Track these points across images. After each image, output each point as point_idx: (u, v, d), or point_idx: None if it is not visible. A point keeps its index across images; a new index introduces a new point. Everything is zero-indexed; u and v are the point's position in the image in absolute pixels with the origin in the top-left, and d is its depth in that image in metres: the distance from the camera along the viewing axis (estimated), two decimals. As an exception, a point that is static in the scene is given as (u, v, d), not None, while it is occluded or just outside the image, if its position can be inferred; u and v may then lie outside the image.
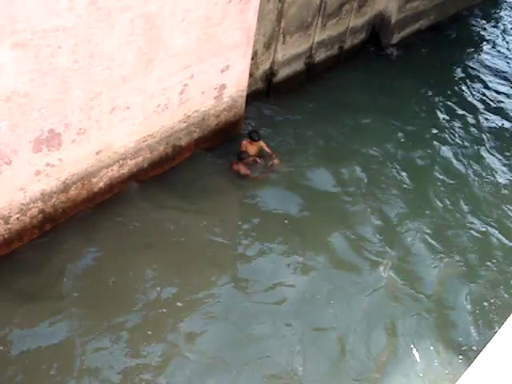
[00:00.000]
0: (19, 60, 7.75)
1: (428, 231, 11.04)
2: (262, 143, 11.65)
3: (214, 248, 10.01)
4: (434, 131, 13.62)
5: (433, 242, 10.87)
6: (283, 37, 12.58)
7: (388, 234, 10.88)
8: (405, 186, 11.98)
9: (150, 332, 8.70)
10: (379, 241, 10.68)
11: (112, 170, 10.11)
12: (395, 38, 15.64)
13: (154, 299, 9.12)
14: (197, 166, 11.35)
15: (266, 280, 9.68)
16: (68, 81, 8.49)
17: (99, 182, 10.03)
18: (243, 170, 11.27)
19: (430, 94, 14.83)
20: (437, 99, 14.68)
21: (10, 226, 9.09)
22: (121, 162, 10.18)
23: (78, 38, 8.23)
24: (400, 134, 13.27)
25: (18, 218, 9.15)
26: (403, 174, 12.23)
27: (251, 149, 11.53)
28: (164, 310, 9.01)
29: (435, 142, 13.25)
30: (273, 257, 10.08)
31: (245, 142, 11.55)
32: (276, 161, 11.59)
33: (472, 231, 11.24)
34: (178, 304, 9.13)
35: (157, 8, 9.01)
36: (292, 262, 10.03)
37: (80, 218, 9.99)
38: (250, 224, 10.59)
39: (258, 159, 11.47)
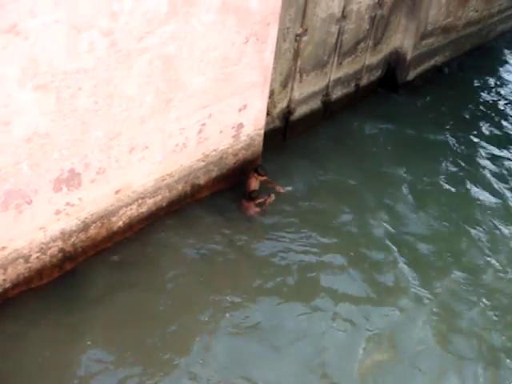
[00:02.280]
0: (41, 101, 7.89)
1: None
2: (265, 177, 11.67)
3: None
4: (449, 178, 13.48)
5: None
6: (300, 75, 12.67)
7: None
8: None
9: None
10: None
11: (131, 209, 10.17)
12: (411, 75, 15.70)
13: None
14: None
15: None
16: (88, 121, 8.61)
17: (118, 221, 10.09)
18: (254, 210, 11.29)
19: (449, 133, 14.80)
20: (456, 139, 14.67)
21: (29, 264, 9.15)
22: (140, 201, 10.25)
23: (97, 79, 8.37)
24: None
25: (37, 257, 9.21)
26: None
27: (256, 183, 11.55)
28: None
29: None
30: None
31: (252, 179, 11.50)
32: (273, 196, 11.51)
33: None
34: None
35: (175, 49, 9.14)
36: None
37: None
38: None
39: (263, 199, 11.40)
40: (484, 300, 10.64)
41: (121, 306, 9.47)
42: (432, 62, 16.36)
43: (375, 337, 9.75)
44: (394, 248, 11.31)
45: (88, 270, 9.82)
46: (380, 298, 10.40)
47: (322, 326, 9.77)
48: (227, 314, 9.64)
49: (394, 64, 15.38)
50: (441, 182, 13.18)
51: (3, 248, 8.68)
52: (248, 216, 11.32)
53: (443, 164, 13.77)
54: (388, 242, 11.45)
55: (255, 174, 11.49)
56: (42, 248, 9.19)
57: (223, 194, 11.67)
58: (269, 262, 10.65)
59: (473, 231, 11.95)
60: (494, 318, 10.39)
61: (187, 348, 9.15)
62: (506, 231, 12.11)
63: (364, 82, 14.86)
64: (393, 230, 11.71)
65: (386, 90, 15.56)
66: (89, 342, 8.91)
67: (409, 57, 15.23)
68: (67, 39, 7.73)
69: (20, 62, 7.43)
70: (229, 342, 9.35)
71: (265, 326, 9.63)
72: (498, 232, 12.06)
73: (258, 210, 11.32)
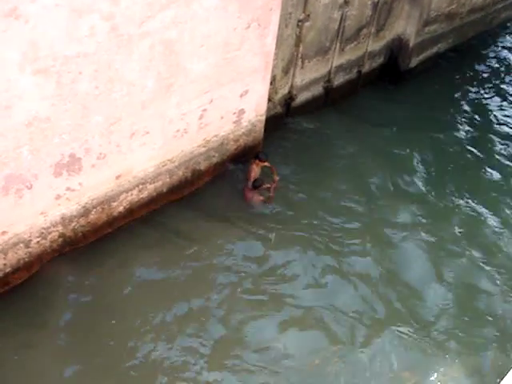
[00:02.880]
0: (41, 86, 7.87)
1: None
2: (266, 162, 11.58)
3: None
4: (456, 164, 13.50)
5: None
6: (302, 61, 12.63)
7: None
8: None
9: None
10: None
11: (132, 194, 10.17)
12: (414, 62, 15.64)
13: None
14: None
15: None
16: (89, 106, 8.60)
17: (119, 207, 10.09)
18: (258, 199, 11.26)
19: (453, 115, 14.81)
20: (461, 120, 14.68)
21: (30, 249, 9.16)
22: (140, 186, 10.24)
23: (98, 64, 8.34)
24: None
25: (38, 242, 9.22)
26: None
27: (258, 170, 11.48)
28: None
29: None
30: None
31: (254, 166, 11.42)
32: (276, 177, 11.49)
33: None
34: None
35: (176, 34, 9.11)
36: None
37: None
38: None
39: (268, 185, 11.36)
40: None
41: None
42: (435, 49, 16.28)
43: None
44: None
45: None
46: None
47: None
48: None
49: (396, 51, 15.31)
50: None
51: (4, 233, 8.68)
52: (252, 205, 11.28)
53: (449, 145, 13.91)
54: (398, 223, 11.61)
55: (256, 161, 11.41)
56: (42, 233, 9.20)
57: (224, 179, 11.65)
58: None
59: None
60: None
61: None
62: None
63: (366, 68, 14.80)
64: (408, 215, 11.83)
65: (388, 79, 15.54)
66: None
67: (411, 43, 15.15)
68: (68, 23, 7.70)
69: (20, 45, 7.40)
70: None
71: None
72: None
73: (261, 198, 11.29)
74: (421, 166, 13.03)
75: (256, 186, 11.17)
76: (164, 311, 9.37)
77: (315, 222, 11.21)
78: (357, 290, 10.19)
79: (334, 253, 10.69)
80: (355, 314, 9.83)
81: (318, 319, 9.68)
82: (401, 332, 9.67)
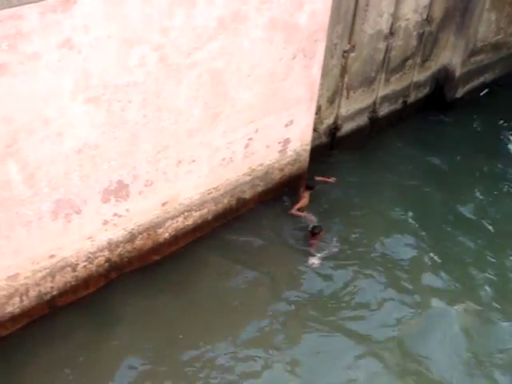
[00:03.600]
0: (92, 114, 8.09)
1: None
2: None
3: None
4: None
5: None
6: (347, 92, 12.68)
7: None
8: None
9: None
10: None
11: (177, 221, 10.29)
12: (460, 92, 15.56)
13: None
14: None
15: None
16: (137, 134, 8.78)
17: (164, 233, 10.22)
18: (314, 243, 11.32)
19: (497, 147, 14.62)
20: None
21: (77, 273, 9.33)
22: (186, 213, 10.36)
23: (147, 93, 8.54)
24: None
25: (85, 266, 9.39)
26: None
27: (307, 198, 11.69)
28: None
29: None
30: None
31: (304, 194, 11.65)
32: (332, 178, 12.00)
33: None
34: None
35: (223, 64, 9.26)
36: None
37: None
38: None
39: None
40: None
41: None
42: (481, 79, 16.17)
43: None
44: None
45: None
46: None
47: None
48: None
49: (442, 81, 15.26)
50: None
51: (52, 256, 8.87)
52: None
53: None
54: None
55: (306, 189, 11.68)
56: (89, 257, 9.37)
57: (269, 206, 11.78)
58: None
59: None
60: None
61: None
62: None
63: (411, 99, 14.76)
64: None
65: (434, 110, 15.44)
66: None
67: (457, 74, 15.09)
68: (118, 53, 7.93)
69: (73, 75, 7.64)
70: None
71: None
72: None
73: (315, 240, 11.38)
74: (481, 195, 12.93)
75: (315, 233, 11.20)
76: (221, 337, 9.53)
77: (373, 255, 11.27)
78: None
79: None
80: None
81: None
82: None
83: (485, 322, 10.32)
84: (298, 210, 11.57)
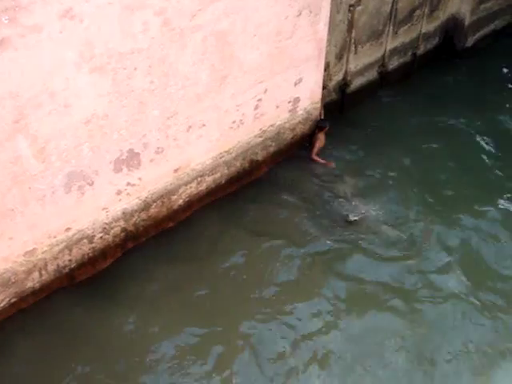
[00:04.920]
0: (98, 84, 8.00)
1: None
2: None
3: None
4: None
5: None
6: (355, 47, 12.51)
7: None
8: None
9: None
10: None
11: (190, 187, 10.26)
12: (470, 41, 15.33)
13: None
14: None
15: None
16: (145, 101, 8.70)
17: (178, 200, 10.19)
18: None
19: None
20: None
21: (94, 245, 9.34)
22: (199, 179, 10.32)
23: (152, 59, 8.43)
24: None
25: (101, 237, 9.39)
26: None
27: (323, 138, 11.91)
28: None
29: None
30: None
31: (319, 135, 11.89)
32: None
33: None
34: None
35: (228, 25, 9.13)
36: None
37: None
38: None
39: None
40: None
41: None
42: (491, 27, 15.91)
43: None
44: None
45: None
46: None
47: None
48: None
49: (451, 31, 15.02)
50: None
51: (68, 229, 8.87)
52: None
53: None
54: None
55: (320, 131, 11.86)
56: (104, 228, 9.36)
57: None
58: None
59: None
60: None
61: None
62: None
63: (421, 50, 14.56)
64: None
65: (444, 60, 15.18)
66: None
67: (467, 22, 14.85)
68: (121, 20, 7.81)
69: (76, 45, 7.54)
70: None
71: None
72: None
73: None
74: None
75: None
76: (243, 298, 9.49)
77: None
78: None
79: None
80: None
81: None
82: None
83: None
84: (317, 153, 11.79)
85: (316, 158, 11.75)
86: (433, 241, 10.46)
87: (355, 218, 10.66)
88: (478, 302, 9.56)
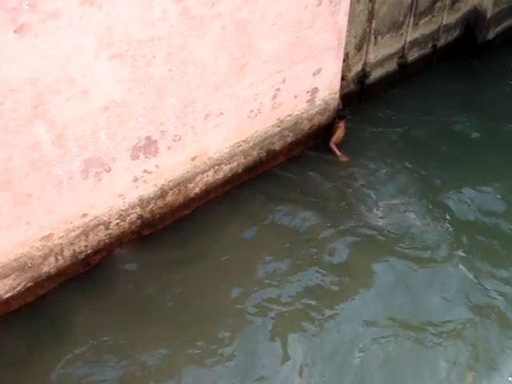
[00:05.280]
0: (116, 70, 8.02)
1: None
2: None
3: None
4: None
5: None
6: (375, 37, 12.44)
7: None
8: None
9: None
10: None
11: (207, 175, 10.26)
12: (491, 34, 15.19)
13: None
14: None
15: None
16: (163, 89, 8.71)
17: (195, 188, 10.21)
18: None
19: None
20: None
21: (110, 231, 9.38)
22: (216, 167, 10.33)
23: (171, 46, 8.43)
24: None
25: (117, 224, 9.43)
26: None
27: (343, 127, 11.89)
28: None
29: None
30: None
31: (340, 124, 11.86)
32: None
33: None
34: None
35: (247, 14, 9.10)
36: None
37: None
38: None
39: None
40: None
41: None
42: (514, 20, 15.77)
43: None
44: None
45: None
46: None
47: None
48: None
49: (472, 23, 14.89)
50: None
51: (84, 215, 8.91)
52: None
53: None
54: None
55: (340, 120, 11.84)
56: (121, 215, 9.40)
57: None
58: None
59: None
60: None
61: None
62: None
63: (441, 42, 14.45)
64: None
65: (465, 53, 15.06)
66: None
67: (489, 14, 14.70)
68: (140, 7, 7.81)
69: (95, 32, 7.55)
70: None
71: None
72: None
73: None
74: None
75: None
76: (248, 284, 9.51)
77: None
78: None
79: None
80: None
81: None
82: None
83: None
84: (335, 143, 11.79)
85: (333, 146, 11.72)
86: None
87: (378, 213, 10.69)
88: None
